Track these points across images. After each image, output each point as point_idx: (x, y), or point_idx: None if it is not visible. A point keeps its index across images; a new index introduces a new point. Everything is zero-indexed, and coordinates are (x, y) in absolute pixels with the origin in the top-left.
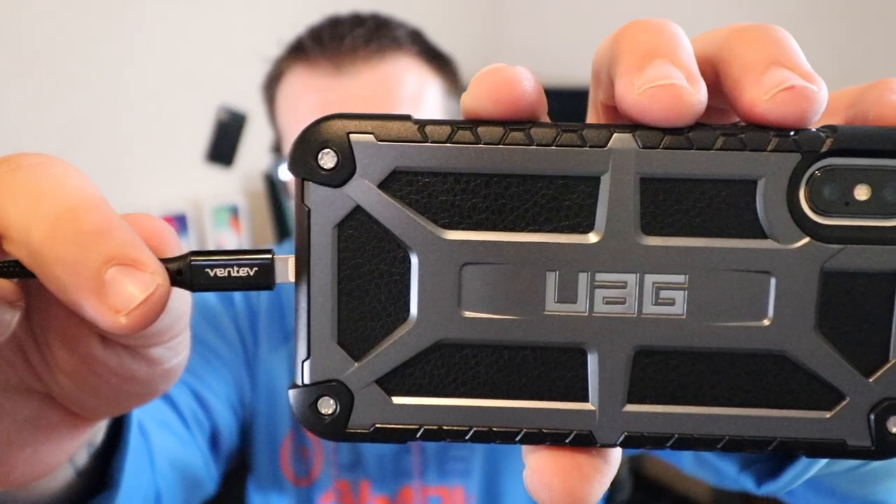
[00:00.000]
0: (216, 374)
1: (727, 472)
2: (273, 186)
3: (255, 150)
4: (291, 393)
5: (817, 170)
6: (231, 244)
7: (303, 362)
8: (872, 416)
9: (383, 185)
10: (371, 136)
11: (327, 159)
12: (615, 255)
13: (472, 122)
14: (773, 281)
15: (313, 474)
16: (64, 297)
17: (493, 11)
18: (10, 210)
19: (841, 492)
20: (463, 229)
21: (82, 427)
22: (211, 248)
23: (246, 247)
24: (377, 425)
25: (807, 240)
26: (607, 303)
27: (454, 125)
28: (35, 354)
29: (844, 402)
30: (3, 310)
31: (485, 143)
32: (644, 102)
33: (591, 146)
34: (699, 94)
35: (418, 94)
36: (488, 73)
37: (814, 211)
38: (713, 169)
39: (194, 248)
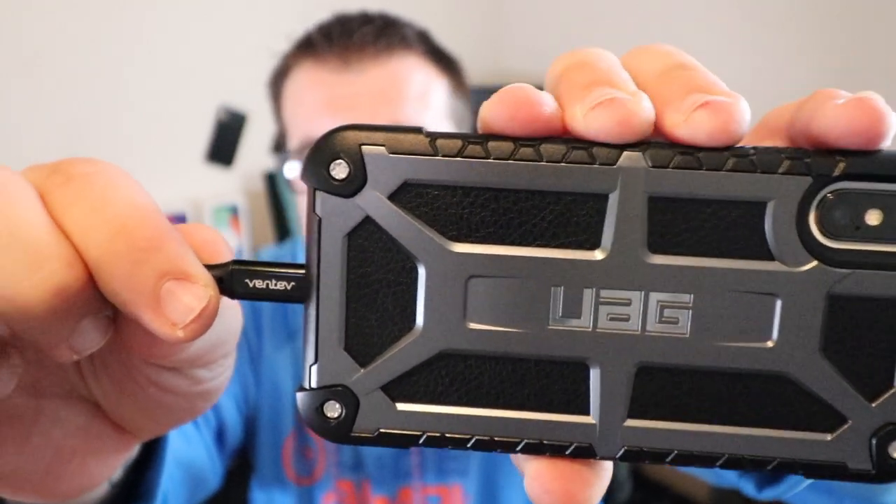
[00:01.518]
0: None
1: (727, 476)
2: (273, 186)
3: (254, 150)
4: (299, 395)
5: (829, 193)
6: (231, 244)
7: (310, 366)
8: (874, 441)
9: (393, 197)
10: (382, 147)
11: (339, 170)
12: (621, 272)
13: (483, 137)
14: (778, 303)
15: (316, 474)
16: (125, 311)
17: (493, 11)
18: (68, 227)
19: (839, 491)
20: (471, 242)
21: (128, 442)
22: None
23: (245, 247)
24: (381, 430)
25: (815, 263)
26: (611, 319)
27: (465, 139)
28: (85, 358)
29: (846, 426)
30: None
31: (494, 159)
32: (592, 124)
33: (600, 164)
34: (642, 104)
35: (425, 93)
36: (511, 91)
37: (823, 234)
38: (723, 190)
39: None
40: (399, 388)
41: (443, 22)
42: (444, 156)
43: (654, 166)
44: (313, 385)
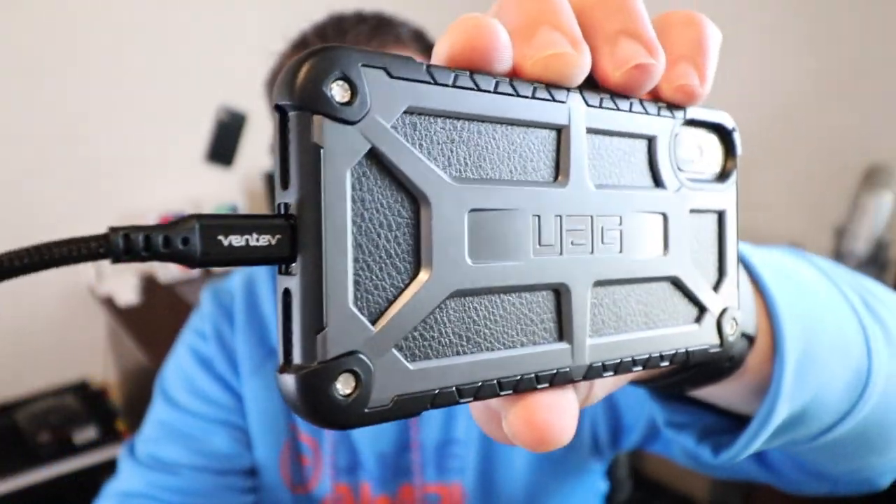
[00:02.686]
0: (220, 430)
1: (687, 446)
2: (273, 186)
3: (254, 150)
4: (291, 379)
5: (677, 133)
6: None
7: (316, 334)
8: (718, 322)
9: (394, 127)
10: (383, 71)
11: (339, 91)
12: (578, 199)
13: (467, 70)
14: (667, 220)
15: (313, 481)
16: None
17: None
18: None
19: (827, 472)
20: (465, 175)
21: None
22: None
23: None
24: (397, 397)
25: (678, 186)
26: (573, 244)
27: (453, 70)
28: None
29: (706, 315)
30: None
31: (481, 90)
32: (538, 70)
33: (557, 101)
34: (584, 58)
35: None
36: (468, 20)
37: (678, 165)
38: (631, 127)
39: None
40: (411, 344)
41: (441, 22)
42: (439, 84)
43: (588, 105)
44: (326, 357)
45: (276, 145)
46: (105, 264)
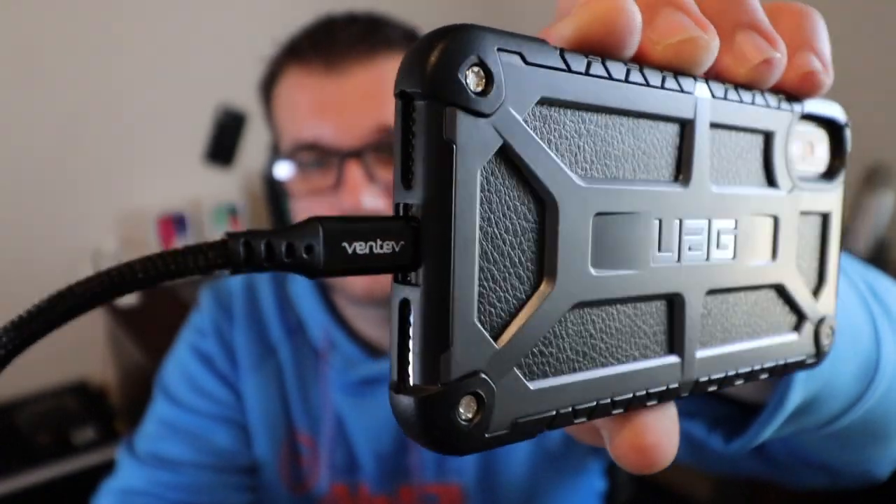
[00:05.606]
0: (221, 429)
1: (698, 434)
2: (272, 186)
3: (254, 150)
4: (411, 401)
5: (794, 128)
6: None
7: (440, 354)
8: (815, 332)
9: (526, 120)
10: (518, 56)
11: (475, 79)
12: (698, 201)
13: (599, 56)
14: (777, 223)
15: (311, 481)
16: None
17: (493, 11)
18: None
19: (830, 463)
20: (590, 174)
21: None
22: None
23: None
24: (517, 420)
25: (791, 186)
26: (690, 249)
27: (588, 56)
28: None
29: (805, 324)
30: None
31: (614, 79)
32: (668, 56)
33: (685, 91)
34: (716, 42)
35: None
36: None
37: (790, 163)
38: (752, 121)
39: None
40: (530, 361)
41: (441, 22)
42: (573, 72)
43: (714, 97)
44: (449, 378)
45: (398, 137)
46: (102, 264)
